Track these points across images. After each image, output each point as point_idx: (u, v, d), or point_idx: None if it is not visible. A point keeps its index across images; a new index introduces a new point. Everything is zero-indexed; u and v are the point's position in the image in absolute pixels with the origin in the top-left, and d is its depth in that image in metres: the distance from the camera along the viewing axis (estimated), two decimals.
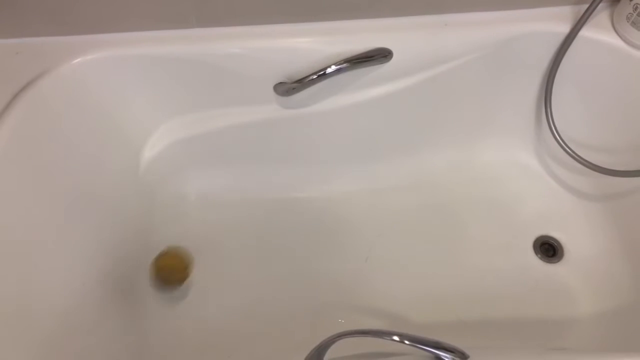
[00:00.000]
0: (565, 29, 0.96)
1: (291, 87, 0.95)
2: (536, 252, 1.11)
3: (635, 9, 0.89)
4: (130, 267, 1.02)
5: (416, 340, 0.62)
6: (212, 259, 1.10)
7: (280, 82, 0.97)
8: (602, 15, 0.97)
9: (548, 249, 1.11)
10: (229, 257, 1.10)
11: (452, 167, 1.20)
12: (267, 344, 0.98)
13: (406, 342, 0.61)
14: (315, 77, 0.92)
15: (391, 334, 0.62)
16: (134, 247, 1.04)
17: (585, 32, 0.94)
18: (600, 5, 0.91)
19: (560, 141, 1.03)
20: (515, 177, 1.20)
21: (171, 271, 1.00)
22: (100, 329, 0.90)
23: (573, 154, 1.02)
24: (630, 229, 1.04)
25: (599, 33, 0.96)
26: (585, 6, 0.91)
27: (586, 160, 1.00)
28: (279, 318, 1.01)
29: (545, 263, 1.09)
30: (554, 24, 0.97)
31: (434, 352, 0.62)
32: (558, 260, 1.10)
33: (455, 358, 0.62)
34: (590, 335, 0.98)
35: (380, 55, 0.94)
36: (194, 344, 0.98)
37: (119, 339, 0.93)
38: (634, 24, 0.91)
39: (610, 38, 0.95)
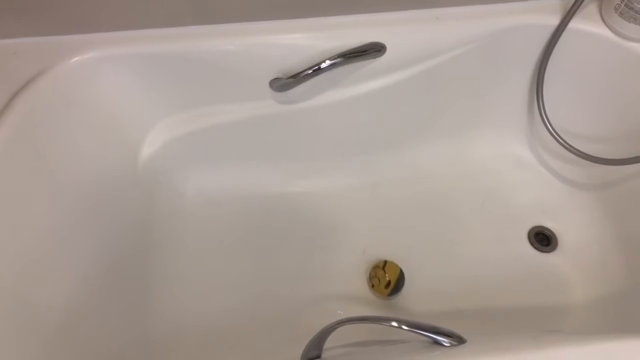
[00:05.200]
0: (554, 21, 0.97)
1: (286, 82, 0.96)
2: (531, 242, 1.12)
3: (623, 0, 0.91)
4: (129, 263, 1.03)
5: (414, 326, 0.62)
6: (211, 254, 1.11)
7: (276, 78, 0.98)
8: (590, 6, 0.99)
9: (542, 239, 1.13)
10: (229, 252, 1.11)
11: (447, 159, 1.22)
12: (268, 335, 0.99)
13: (404, 327, 0.62)
14: (310, 72, 0.93)
15: (389, 319, 0.63)
16: (132, 243, 1.05)
17: (574, 24, 0.96)
18: None
19: (553, 132, 1.04)
20: (509, 169, 1.22)
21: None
22: (102, 325, 0.90)
23: (565, 144, 1.03)
24: (622, 217, 1.06)
25: (587, 24, 0.97)
26: None
27: (578, 150, 1.02)
28: (279, 311, 1.02)
29: (540, 253, 1.11)
30: (544, 16, 0.98)
31: (432, 337, 0.63)
32: (552, 250, 1.11)
33: (453, 342, 0.63)
34: (584, 321, 0.99)
35: (373, 50, 0.95)
36: (197, 337, 0.99)
37: (120, 334, 0.94)
38: (622, 14, 0.92)
39: (599, 29, 0.97)
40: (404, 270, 1.05)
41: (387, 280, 1.01)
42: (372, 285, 1.04)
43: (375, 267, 1.05)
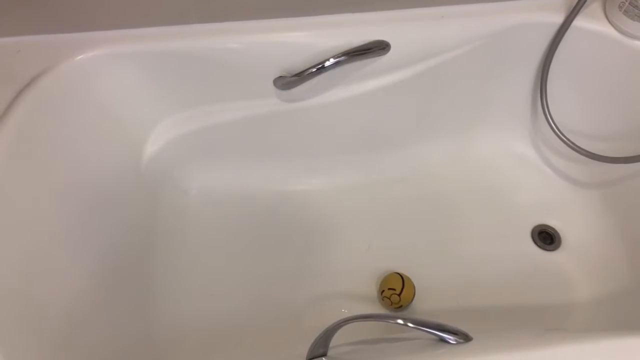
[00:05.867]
0: (558, 19, 0.97)
1: (290, 80, 0.96)
2: (534, 241, 1.12)
3: None
4: (133, 263, 1.03)
5: (420, 323, 0.63)
6: (214, 253, 1.11)
7: (280, 76, 0.98)
8: (594, 5, 0.99)
9: (546, 237, 1.13)
10: (232, 251, 1.11)
11: (450, 157, 1.22)
12: (271, 334, 0.99)
13: (410, 324, 0.62)
14: (314, 70, 0.93)
15: (395, 317, 0.63)
16: (136, 243, 1.05)
17: (578, 22, 0.96)
18: None
19: (556, 130, 1.04)
20: (512, 167, 1.22)
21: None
22: (106, 325, 0.90)
23: (569, 142, 1.03)
24: (625, 215, 1.06)
25: (592, 22, 0.97)
26: None
27: (581, 148, 1.02)
28: (283, 310, 1.02)
29: (543, 251, 1.11)
30: (548, 14, 0.98)
31: (438, 335, 0.63)
32: (556, 248, 1.11)
33: (458, 340, 0.63)
34: (588, 319, 0.99)
35: (378, 48, 0.95)
36: (200, 336, 0.99)
37: (124, 334, 0.94)
38: (626, 12, 0.92)
39: (603, 27, 0.97)
40: (405, 270, 1.05)
41: (400, 305, 1.00)
42: (382, 300, 1.01)
43: (392, 289, 0.99)
